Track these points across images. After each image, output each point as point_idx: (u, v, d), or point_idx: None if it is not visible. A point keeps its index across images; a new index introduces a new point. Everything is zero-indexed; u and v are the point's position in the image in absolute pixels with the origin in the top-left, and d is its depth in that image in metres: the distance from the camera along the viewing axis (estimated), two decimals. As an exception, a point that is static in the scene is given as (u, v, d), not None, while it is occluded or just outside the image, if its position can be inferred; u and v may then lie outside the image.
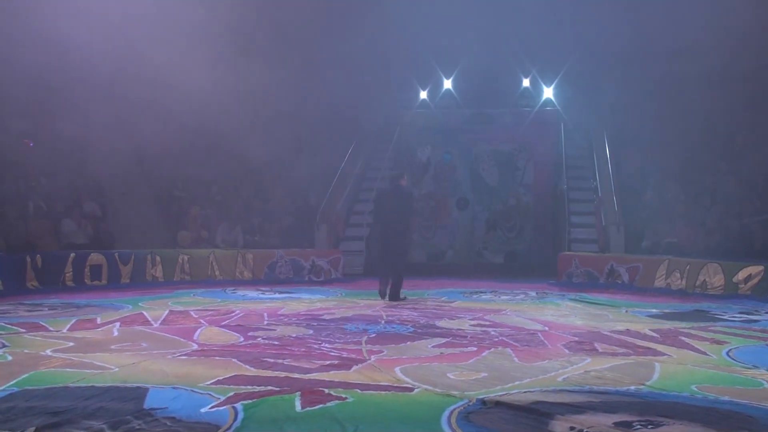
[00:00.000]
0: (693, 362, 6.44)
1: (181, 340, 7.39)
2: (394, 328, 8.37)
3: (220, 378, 5.54)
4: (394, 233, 11.37)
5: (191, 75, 13.40)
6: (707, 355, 6.81)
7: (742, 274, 11.85)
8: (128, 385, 5.32)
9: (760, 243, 13.39)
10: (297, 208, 17.57)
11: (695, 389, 5.34)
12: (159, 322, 8.72)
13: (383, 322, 8.87)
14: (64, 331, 7.93)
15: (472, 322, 8.89)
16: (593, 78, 18.37)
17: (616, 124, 17.96)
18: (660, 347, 7.15)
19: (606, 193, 16.25)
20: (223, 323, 8.64)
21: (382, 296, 11.37)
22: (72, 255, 12.83)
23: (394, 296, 11.29)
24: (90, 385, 5.31)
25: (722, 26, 14.04)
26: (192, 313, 9.54)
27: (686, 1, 14.66)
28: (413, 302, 11.14)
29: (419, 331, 8.15)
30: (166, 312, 9.55)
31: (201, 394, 5.07)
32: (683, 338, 7.70)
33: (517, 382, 5.50)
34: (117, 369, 5.87)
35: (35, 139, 15.52)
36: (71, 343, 7.06)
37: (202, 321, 8.81)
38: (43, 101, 15.07)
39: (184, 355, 6.57)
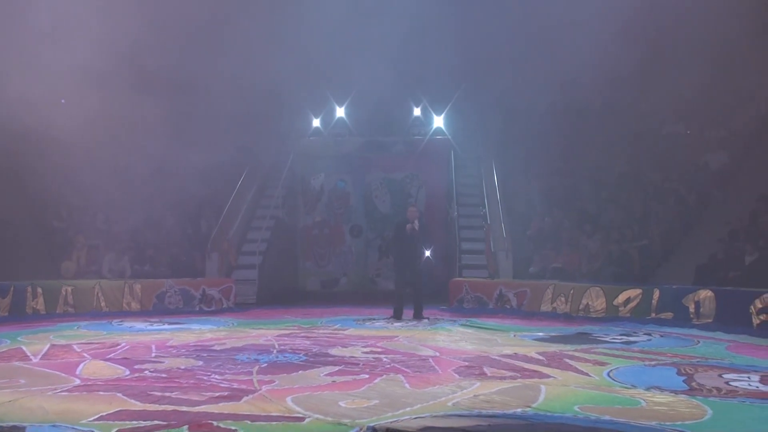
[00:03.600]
0: (576, 383, 6.67)
1: (63, 375, 7.10)
2: (286, 357, 8.31)
3: (104, 414, 5.37)
4: (409, 260, 13.02)
5: (76, 103, 13.07)
6: (589, 376, 7.07)
7: (621, 297, 12.39)
8: (4, 424, 5.08)
9: (638, 267, 14.04)
10: (187, 236, 17.21)
11: (578, 410, 5.53)
12: (39, 356, 8.36)
13: (275, 351, 8.79)
14: (-66, 368, 7.49)
15: (365, 350, 8.93)
16: (481, 108, 18.89)
17: (504, 153, 18.49)
18: (546, 370, 7.38)
19: (494, 220, 16.67)
20: (108, 356, 8.36)
21: (397, 317, 12.81)
22: (-56, 287, 12.15)
23: (418, 315, 12.89)
24: (-38, 425, 5.03)
25: (602, 63, 14.75)
26: (75, 346, 9.19)
27: (569, 39, 15.31)
28: (306, 330, 11.10)
29: (311, 359, 8.12)
30: (47, 346, 9.17)
31: (83, 430, 4.89)
32: (568, 360, 7.97)
33: (408, 408, 5.56)
34: (-8, 407, 5.59)
35: None
36: (-58, 382, 6.68)
37: (85, 355, 8.50)
38: None
39: (66, 391, 6.32)
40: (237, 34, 15.80)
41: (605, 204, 16.23)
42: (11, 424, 5.07)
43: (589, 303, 12.71)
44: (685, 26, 15.39)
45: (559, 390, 6.35)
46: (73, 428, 4.95)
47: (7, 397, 5.99)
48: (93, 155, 15.61)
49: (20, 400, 5.86)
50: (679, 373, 7.19)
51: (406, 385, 6.60)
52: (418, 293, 13.12)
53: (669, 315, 11.68)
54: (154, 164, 16.69)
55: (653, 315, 11.88)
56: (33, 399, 5.92)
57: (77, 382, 6.78)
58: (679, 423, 5.15)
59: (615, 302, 12.41)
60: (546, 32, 16.04)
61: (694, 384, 6.63)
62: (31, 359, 8.19)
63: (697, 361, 8.00)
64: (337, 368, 7.52)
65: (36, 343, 9.41)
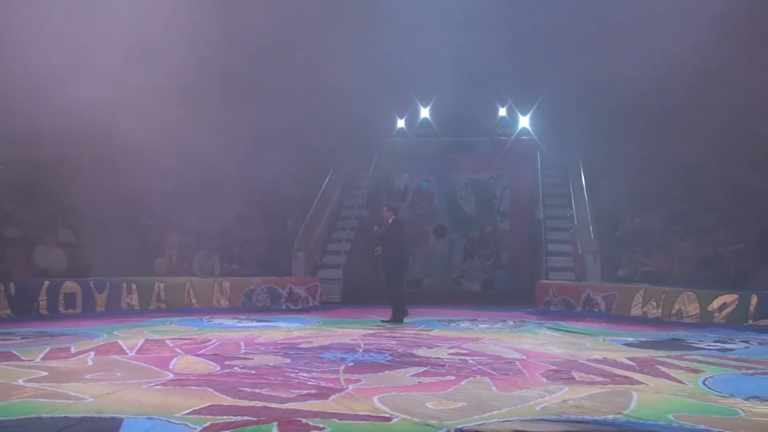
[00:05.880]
0: (669, 391, 6.46)
1: (157, 369, 7.30)
2: (372, 356, 8.34)
3: (196, 408, 5.48)
4: (390, 262, 12.84)
5: (168, 108, 13.50)
6: (683, 383, 6.84)
7: (716, 303, 11.94)
8: (103, 415, 5.25)
9: (733, 272, 13.53)
10: (274, 235, 17.50)
11: (672, 418, 5.36)
12: (134, 351, 8.62)
13: (361, 350, 8.83)
14: (37, 360, 7.81)
15: (450, 351, 8.88)
16: (567, 107, 18.56)
17: (591, 154, 18.13)
18: (637, 376, 7.18)
19: (582, 221, 16.36)
20: (199, 352, 8.56)
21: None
22: (46, 283, 12.66)
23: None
24: (64, 415, 5.22)
25: (691, 59, 14.28)
26: (168, 341, 9.44)
27: (658, 35, 14.90)
28: (391, 331, 11.13)
29: (397, 359, 8.13)
30: (142, 341, 9.44)
31: (177, 424, 5.01)
32: (660, 367, 7.74)
33: (495, 411, 5.49)
34: (91, 399, 5.79)
35: (10, 165, 15.38)
36: (44, 373, 6.95)
37: (178, 350, 8.72)
38: (20, 128, 14.96)
39: (160, 384, 6.49)
40: (323, 38, 15.99)
41: (697, 205, 15.71)
42: (110, 415, 5.24)
43: (682, 308, 12.31)
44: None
45: (652, 397, 6.17)
46: (168, 421, 5.08)
47: (104, 389, 6.19)
48: (183, 156, 16.05)
49: (117, 393, 6.05)
50: (780, 383, 6.89)
51: (493, 387, 6.53)
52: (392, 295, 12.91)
53: (768, 322, 11.23)
54: (242, 165, 17.04)
55: (750, 322, 11.41)
56: (129, 392, 6.10)
57: (170, 376, 6.95)
58: (781, 435, 4.94)
59: (709, 308, 11.97)
60: (635, 26, 15.64)
61: (796, 395, 6.34)
62: (126, 353, 8.45)
63: (800, 371, 7.65)
64: (422, 369, 7.49)
65: (131, 338, 9.70)
